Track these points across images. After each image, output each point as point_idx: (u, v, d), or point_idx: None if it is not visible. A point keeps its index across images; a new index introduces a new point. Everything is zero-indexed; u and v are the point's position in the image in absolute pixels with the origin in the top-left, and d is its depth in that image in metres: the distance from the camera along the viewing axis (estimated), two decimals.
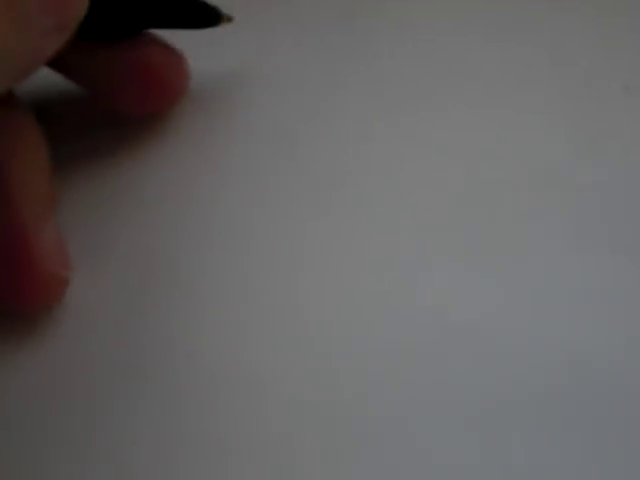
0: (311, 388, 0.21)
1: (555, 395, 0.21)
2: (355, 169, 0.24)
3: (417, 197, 0.23)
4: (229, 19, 0.25)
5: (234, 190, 0.24)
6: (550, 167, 0.24)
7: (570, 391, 0.21)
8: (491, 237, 0.23)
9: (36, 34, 0.19)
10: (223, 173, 0.24)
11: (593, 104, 0.25)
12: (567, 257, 0.22)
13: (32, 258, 0.21)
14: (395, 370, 0.21)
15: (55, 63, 0.22)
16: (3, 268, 0.21)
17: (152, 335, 0.21)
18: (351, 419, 0.20)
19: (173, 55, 0.24)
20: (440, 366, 0.21)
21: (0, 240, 0.20)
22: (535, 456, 0.20)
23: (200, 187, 0.24)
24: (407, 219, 0.23)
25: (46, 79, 0.23)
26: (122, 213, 0.23)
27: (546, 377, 0.21)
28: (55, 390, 0.21)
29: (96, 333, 0.22)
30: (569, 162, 0.24)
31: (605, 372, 0.21)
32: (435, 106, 0.25)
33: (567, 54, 0.26)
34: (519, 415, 0.20)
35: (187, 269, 0.22)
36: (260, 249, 0.23)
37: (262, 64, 0.26)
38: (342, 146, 0.24)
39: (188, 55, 0.24)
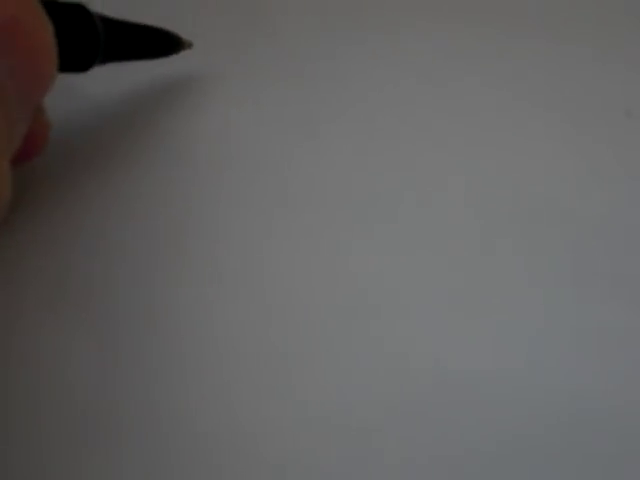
0: (307, 442, 0.20)
1: (557, 443, 0.20)
2: (360, 211, 0.24)
3: (413, 238, 0.23)
4: (189, 45, 0.25)
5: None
6: (552, 201, 0.23)
7: (572, 439, 0.20)
8: (486, 283, 0.22)
9: None
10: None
11: (594, 130, 0.25)
12: (565, 300, 0.22)
13: None
14: (392, 422, 0.20)
15: None
16: None
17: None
18: (348, 475, 0.20)
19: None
20: (437, 417, 0.20)
21: None
22: None
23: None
24: (402, 261, 0.22)
25: None
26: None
27: (547, 425, 0.20)
28: None
29: None
30: (571, 195, 0.24)
31: (606, 419, 0.20)
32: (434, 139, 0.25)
33: (565, 83, 0.26)
34: (520, 464, 0.20)
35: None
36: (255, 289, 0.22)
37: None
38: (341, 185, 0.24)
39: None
